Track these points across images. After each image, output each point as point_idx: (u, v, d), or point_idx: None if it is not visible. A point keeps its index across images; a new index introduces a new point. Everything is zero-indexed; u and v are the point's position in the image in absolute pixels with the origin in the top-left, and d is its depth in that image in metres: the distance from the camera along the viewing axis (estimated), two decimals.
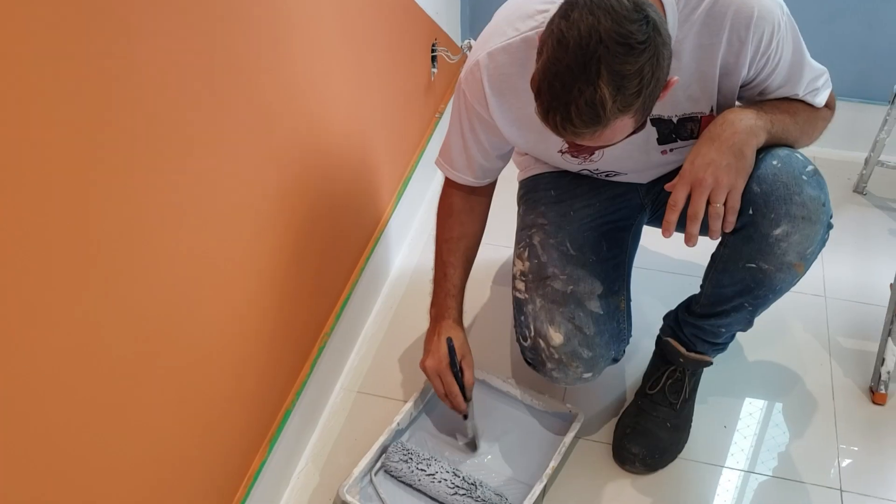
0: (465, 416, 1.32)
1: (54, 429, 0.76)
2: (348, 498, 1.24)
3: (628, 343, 1.29)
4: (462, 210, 1.31)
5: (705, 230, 1.05)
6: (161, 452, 0.95)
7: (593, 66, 0.84)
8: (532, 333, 1.22)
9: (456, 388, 1.28)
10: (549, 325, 1.20)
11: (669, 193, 1.05)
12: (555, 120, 0.89)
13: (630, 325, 1.28)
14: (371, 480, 1.29)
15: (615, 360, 1.28)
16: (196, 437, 1.03)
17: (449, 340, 1.27)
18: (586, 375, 1.23)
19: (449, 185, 1.33)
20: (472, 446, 1.35)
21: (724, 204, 1.03)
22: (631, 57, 0.84)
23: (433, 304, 1.33)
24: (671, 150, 1.19)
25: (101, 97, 0.74)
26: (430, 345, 1.31)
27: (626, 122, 0.90)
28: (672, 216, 1.03)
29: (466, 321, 1.58)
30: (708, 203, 1.02)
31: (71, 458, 0.79)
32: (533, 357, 1.25)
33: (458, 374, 1.28)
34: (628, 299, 1.29)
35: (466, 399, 1.30)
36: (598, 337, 1.21)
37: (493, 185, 1.34)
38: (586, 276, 1.23)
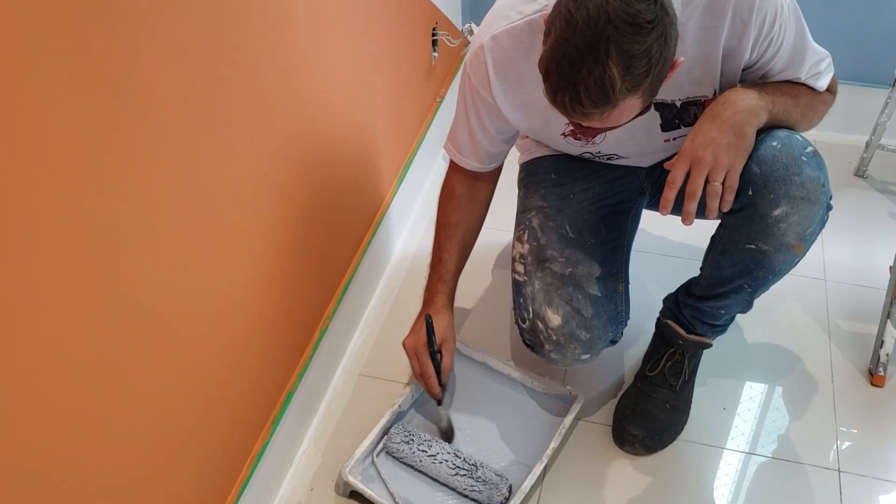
0: (439, 403, 1.33)
1: (55, 408, 0.76)
2: (350, 479, 1.25)
3: (626, 325, 1.30)
4: (463, 196, 1.32)
5: (703, 212, 1.06)
6: (164, 433, 0.96)
7: (602, 45, 0.84)
8: (530, 315, 1.23)
9: (430, 370, 1.28)
10: (548, 306, 1.21)
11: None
12: (563, 101, 0.89)
13: (628, 307, 1.29)
14: (373, 461, 1.30)
15: (613, 343, 1.29)
16: (199, 419, 1.04)
17: (427, 317, 1.28)
18: (584, 357, 1.24)
19: (454, 169, 1.33)
20: (447, 436, 1.34)
21: (723, 183, 1.03)
22: (640, 36, 0.84)
23: (427, 287, 1.35)
24: (674, 139, 1.19)
25: (101, 87, 0.74)
26: (414, 325, 1.32)
27: (634, 103, 0.90)
28: (670, 193, 1.03)
29: (467, 304, 1.60)
30: (706, 182, 1.03)
31: (72, 438, 0.80)
32: (531, 338, 1.25)
33: (434, 355, 1.28)
34: (626, 282, 1.30)
35: (441, 384, 1.30)
36: (596, 319, 1.21)
37: (497, 172, 1.35)
38: (585, 258, 1.24)
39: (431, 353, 1.28)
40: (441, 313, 1.31)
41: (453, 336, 1.33)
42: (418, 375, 1.31)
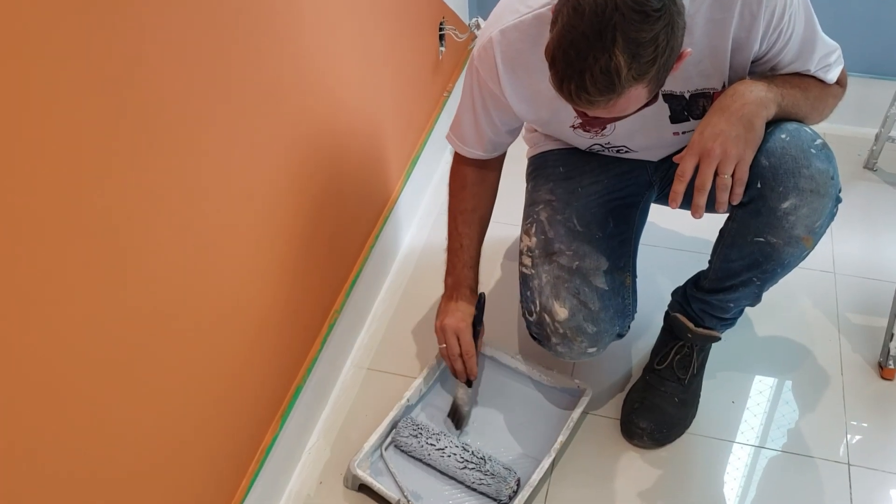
0: (470, 385, 1.34)
1: (69, 403, 0.77)
2: (359, 472, 1.25)
3: (633, 319, 1.30)
4: (475, 182, 1.33)
5: (712, 205, 1.06)
6: (175, 427, 0.96)
7: (609, 33, 0.84)
8: (537, 308, 1.23)
9: (474, 349, 1.30)
10: (555, 300, 1.21)
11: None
12: (569, 88, 0.89)
13: (635, 301, 1.29)
14: (381, 455, 1.31)
15: (620, 336, 1.29)
16: (209, 413, 1.04)
17: (482, 296, 1.30)
18: (591, 350, 1.24)
19: (459, 159, 1.34)
20: (462, 420, 1.35)
21: (732, 175, 1.02)
22: (646, 24, 0.84)
23: (449, 274, 1.35)
24: (683, 132, 1.19)
25: (102, 87, 0.74)
26: (447, 307, 1.33)
27: (640, 92, 0.90)
28: (679, 186, 1.03)
29: None
30: (716, 174, 1.02)
31: (85, 432, 0.80)
32: (538, 332, 1.25)
33: (478, 335, 1.30)
34: (634, 275, 1.30)
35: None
36: (603, 312, 1.21)
37: (502, 158, 1.36)
38: (592, 251, 1.23)
39: (476, 333, 1.30)
40: (472, 298, 1.33)
41: (481, 319, 1.36)
42: (456, 356, 1.32)
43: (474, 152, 1.29)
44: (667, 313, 1.37)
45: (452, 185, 1.35)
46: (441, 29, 1.86)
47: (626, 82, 0.87)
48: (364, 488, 1.27)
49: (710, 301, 1.26)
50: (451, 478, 1.28)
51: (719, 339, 1.32)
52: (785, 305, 1.57)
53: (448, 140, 1.32)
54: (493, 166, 1.34)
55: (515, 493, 1.23)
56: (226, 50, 0.94)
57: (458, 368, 1.33)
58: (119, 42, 0.75)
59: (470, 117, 1.24)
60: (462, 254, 1.33)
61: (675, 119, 1.17)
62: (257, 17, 1.00)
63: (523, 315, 1.28)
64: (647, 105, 0.96)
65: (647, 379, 1.37)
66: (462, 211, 1.34)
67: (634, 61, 0.85)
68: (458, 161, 1.34)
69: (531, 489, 1.22)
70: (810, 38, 1.08)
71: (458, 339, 1.31)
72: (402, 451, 1.32)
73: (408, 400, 1.36)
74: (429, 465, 1.29)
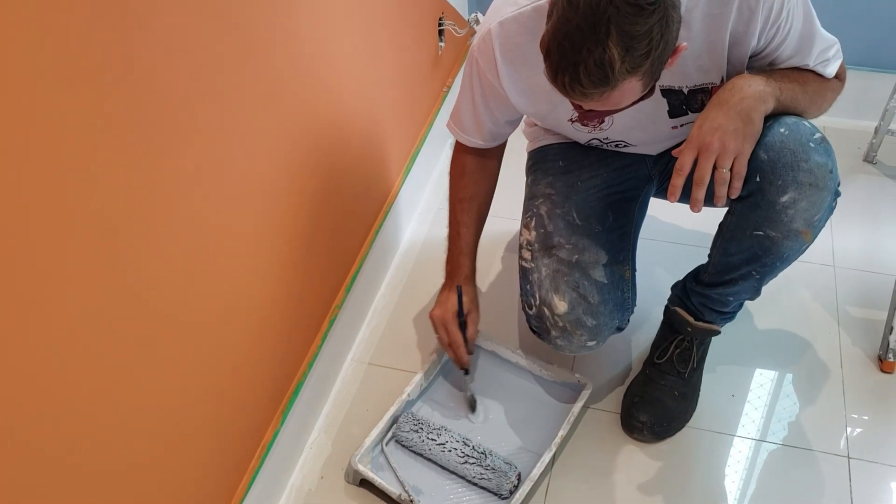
0: (466, 372, 1.35)
1: (73, 400, 0.77)
2: (360, 467, 1.26)
3: (633, 312, 1.30)
4: (474, 170, 1.34)
5: (711, 199, 1.06)
6: (176, 423, 0.97)
7: (603, 26, 0.84)
8: (537, 302, 1.23)
9: (459, 339, 1.31)
10: (554, 293, 1.21)
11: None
12: (563, 81, 0.89)
13: (635, 294, 1.29)
14: (382, 450, 1.31)
15: (619, 329, 1.29)
16: (210, 409, 1.04)
17: (458, 288, 1.31)
18: (590, 343, 1.24)
19: (460, 148, 1.35)
20: (471, 406, 1.37)
21: (731, 169, 1.03)
22: (640, 18, 0.84)
23: (448, 262, 1.37)
24: (682, 125, 1.19)
25: (102, 84, 0.74)
26: (439, 298, 1.35)
27: (634, 85, 0.90)
28: (678, 180, 1.03)
29: None
30: (714, 168, 1.02)
31: (90, 428, 0.80)
32: (538, 325, 1.26)
33: (462, 325, 1.31)
34: (633, 269, 1.30)
35: (468, 353, 1.33)
36: (602, 305, 1.22)
37: (502, 147, 1.36)
38: (591, 245, 1.24)
39: (460, 323, 1.31)
40: (466, 285, 1.34)
41: (478, 307, 1.36)
42: (446, 345, 1.33)
43: (474, 141, 1.30)
44: (666, 307, 1.38)
45: (452, 172, 1.36)
46: (440, 24, 1.86)
47: (620, 75, 0.87)
48: (365, 483, 1.27)
49: (709, 295, 1.26)
50: (452, 472, 1.28)
51: (719, 332, 1.33)
52: (785, 299, 1.57)
53: (448, 128, 1.33)
54: (493, 154, 1.35)
55: (516, 487, 1.23)
56: (225, 47, 0.94)
57: (452, 357, 1.35)
58: (118, 40, 0.75)
59: (469, 107, 1.25)
60: (459, 242, 1.35)
61: (673, 114, 1.17)
62: (257, 14, 1.00)
63: (523, 309, 1.29)
64: (643, 99, 0.96)
65: (647, 373, 1.37)
66: (461, 199, 1.35)
67: (628, 54, 0.86)
68: (459, 149, 1.35)
69: (532, 483, 1.22)
70: (809, 34, 1.08)
71: (447, 330, 1.32)
72: (403, 445, 1.32)
73: (408, 395, 1.36)
74: (430, 459, 1.30)
